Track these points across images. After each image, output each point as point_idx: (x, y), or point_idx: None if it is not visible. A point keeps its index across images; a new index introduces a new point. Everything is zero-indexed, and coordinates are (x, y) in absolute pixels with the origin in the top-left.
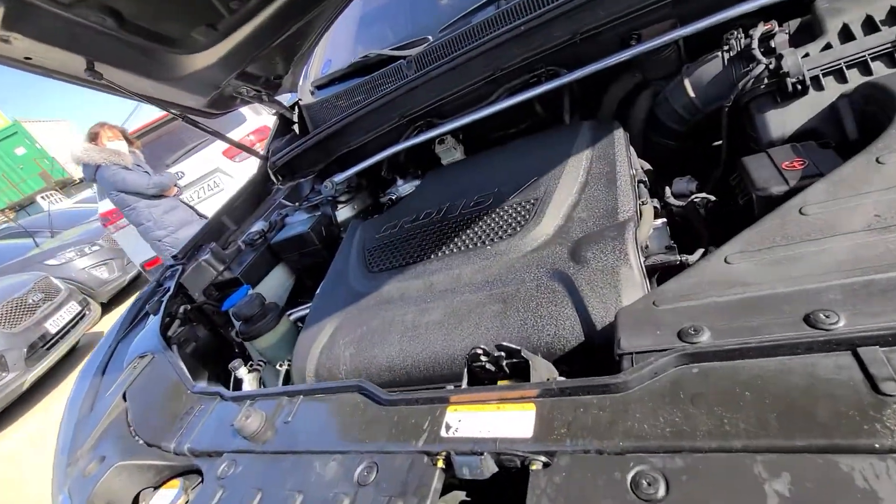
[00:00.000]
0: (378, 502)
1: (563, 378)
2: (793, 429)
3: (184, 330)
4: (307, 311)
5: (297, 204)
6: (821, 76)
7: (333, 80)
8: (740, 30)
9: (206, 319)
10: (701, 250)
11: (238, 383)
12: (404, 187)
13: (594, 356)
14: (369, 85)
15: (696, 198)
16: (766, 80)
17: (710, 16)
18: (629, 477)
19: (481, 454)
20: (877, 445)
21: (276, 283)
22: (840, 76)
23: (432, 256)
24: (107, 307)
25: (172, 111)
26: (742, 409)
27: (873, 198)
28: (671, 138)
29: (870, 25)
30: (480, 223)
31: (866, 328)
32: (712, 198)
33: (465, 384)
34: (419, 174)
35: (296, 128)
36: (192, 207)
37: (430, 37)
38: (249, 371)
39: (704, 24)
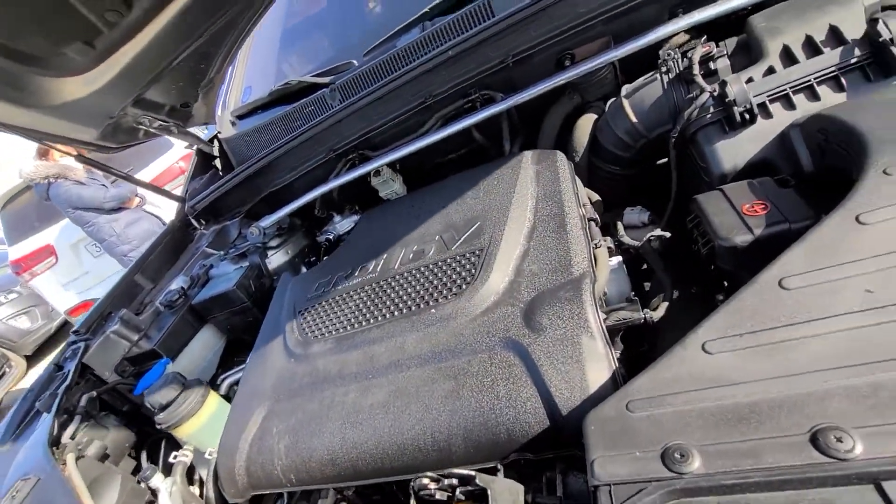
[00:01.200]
0: None
1: None
2: None
3: (87, 427)
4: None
5: (221, 253)
6: (767, 103)
7: (255, 110)
8: (676, 49)
9: (124, 401)
10: (665, 304)
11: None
12: (342, 224)
13: (561, 441)
14: (292, 116)
15: (651, 236)
16: (711, 109)
17: (643, 35)
18: None
19: None
20: None
21: (202, 349)
22: (787, 102)
23: (371, 321)
24: (32, 359)
25: (51, 144)
26: None
27: (861, 268)
28: (616, 164)
29: (811, 47)
30: (422, 280)
31: (889, 457)
32: (667, 234)
33: None
34: (356, 209)
35: (218, 163)
36: (157, 217)
37: (354, 61)
38: (172, 467)
39: (637, 44)
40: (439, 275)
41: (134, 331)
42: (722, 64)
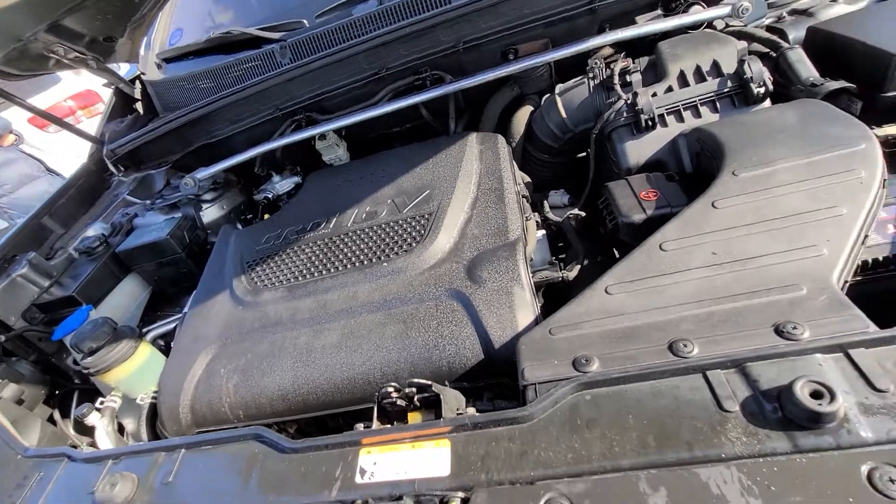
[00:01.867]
0: None
1: (474, 412)
2: (666, 446)
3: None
4: (171, 325)
5: (148, 202)
6: (665, 114)
7: (186, 55)
8: (602, 60)
9: (30, 350)
10: (578, 266)
11: (87, 434)
12: (282, 184)
13: (492, 371)
14: (233, 68)
15: (570, 215)
16: (625, 114)
17: (574, 44)
18: None
19: (400, 498)
20: (723, 455)
21: (124, 299)
22: (679, 116)
23: (324, 272)
24: None
25: None
26: (627, 431)
27: (711, 238)
28: (546, 152)
29: (699, 75)
30: (375, 237)
31: (712, 355)
32: (583, 214)
33: (374, 422)
34: (297, 170)
35: (139, 106)
36: (38, 160)
37: (305, 21)
38: (101, 412)
39: (569, 51)
40: (391, 234)
41: (44, 276)
42: (636, 78)
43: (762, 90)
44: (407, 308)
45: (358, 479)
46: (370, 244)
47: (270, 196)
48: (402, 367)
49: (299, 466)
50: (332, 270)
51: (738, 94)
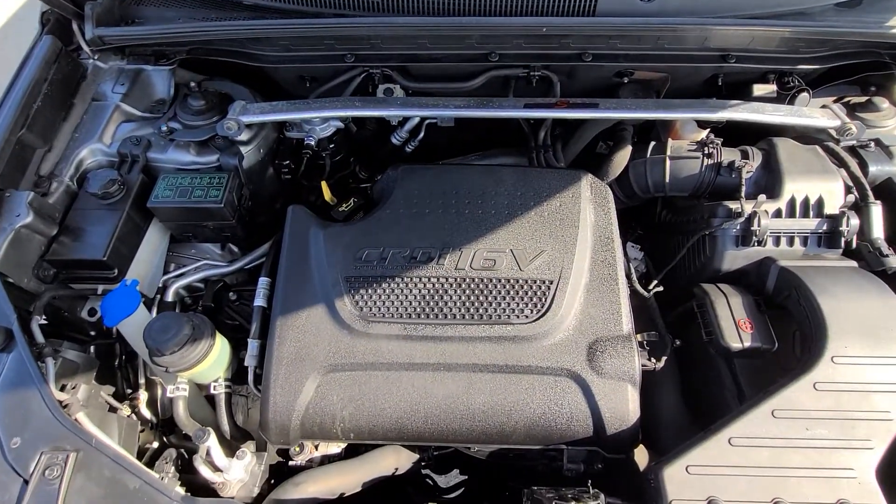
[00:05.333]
0: None
1: None
2: None
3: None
4: (194, 276)
5: (163, 127)
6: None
7: None
8: (720, 142)
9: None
10: (664, 357)
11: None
12: (322, 128)
13: (597, 445)
14: None
15: (652, 291)
16: (738, 227)
17: (690, 109)
18: None
19: None
20: None
21: (150, 254)
22: (776, 240)
23: (440, 318)
24: None
25: None
26: None
27: (808, 415)
28: (628, 196)
29: (805, 206)
30: (495, 292)
31: None
32: (661, 288)
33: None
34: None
35: None
36: None
37: None
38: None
39: (683, 115)
40: (512, 294)
41: (49, 221)
42: (761, 200)
43: (845, 241)
44: (529, 377)
45: None
46: (490, 299)
47: (314, 143)
48: (518, 427)
49: None
50: (450, 317)
51: (827, 237)
